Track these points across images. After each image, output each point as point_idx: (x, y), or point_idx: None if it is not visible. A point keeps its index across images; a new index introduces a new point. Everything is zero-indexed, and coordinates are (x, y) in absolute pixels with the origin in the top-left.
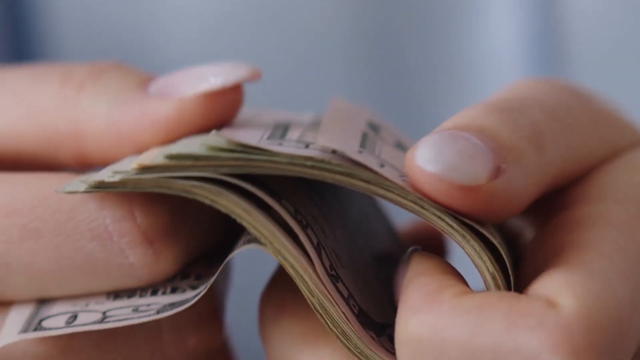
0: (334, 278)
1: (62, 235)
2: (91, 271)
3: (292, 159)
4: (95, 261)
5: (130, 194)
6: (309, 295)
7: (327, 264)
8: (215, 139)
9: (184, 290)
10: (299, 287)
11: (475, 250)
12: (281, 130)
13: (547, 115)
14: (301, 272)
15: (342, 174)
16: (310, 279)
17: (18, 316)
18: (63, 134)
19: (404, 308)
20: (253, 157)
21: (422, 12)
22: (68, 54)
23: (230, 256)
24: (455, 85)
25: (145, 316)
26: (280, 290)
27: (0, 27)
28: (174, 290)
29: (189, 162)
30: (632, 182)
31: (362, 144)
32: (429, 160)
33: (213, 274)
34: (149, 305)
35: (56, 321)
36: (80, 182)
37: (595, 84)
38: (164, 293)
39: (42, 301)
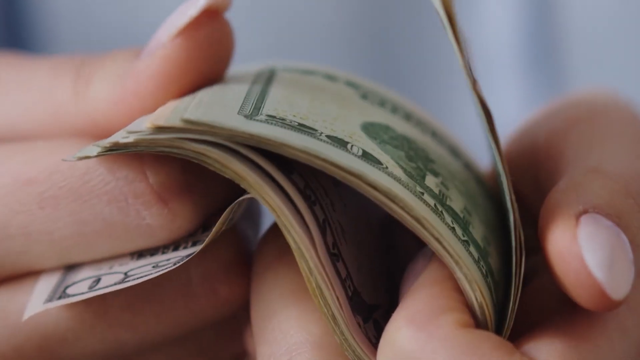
0: (335, 257)
1: (78, 201)
2: (110, 234)
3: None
4: (113, 224)
5: (142, 155)
6: (308, 274)
7: (330, 242)
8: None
9: (202, 242)
10: (299, 263)
11: (467, 278)
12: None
13: None
14: (303, 250)
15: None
16: (310, 258)
17: (45, 286)
18: (81, 128)
19: (403, 312)
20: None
21: (417, 11)
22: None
23: (240, 199)
24: (450, 83)
25: (163, 269)
26: (277, 243)
27: None
28: (194, 244)
29: (204, 128)
30: None
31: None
32: (601, 267)
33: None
34: (168, 259)
35: (80, 287)
36: (93, 146)
37: (588, 79)
38: (185, 247)
39: (69, 268)
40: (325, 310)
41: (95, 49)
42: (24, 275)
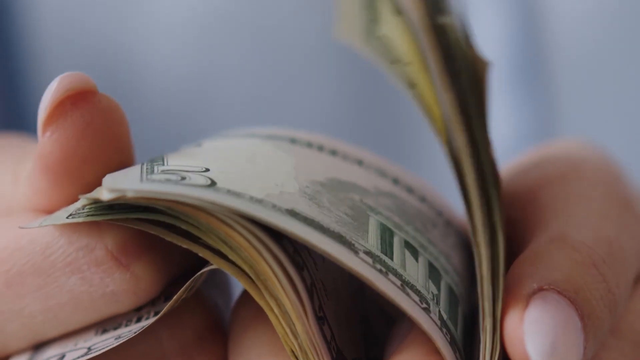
0: (321, 320)
1: (42, 276)
2: (77, 305)
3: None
4: (79, 295)
5: (99, 224)
6: (292, 337)
7: (316, 306)
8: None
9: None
10: (277, 326)
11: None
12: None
13: (624, 260)
14: (294, 317)
15: None
16: (302, 325)
17: None
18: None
19: None
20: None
21: None
22: (49, 66)
23: (207, 269)
24: None
25: (123, 339)
26: (253, 305)
27: None
28: (157, 314)
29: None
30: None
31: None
32: (542, 356)
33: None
34: (130, 331)
35: None
36: (64, 211)
37: (577, 93)
38: (147, 319)
39: (36, 349)
40: None
41: (81, 63)
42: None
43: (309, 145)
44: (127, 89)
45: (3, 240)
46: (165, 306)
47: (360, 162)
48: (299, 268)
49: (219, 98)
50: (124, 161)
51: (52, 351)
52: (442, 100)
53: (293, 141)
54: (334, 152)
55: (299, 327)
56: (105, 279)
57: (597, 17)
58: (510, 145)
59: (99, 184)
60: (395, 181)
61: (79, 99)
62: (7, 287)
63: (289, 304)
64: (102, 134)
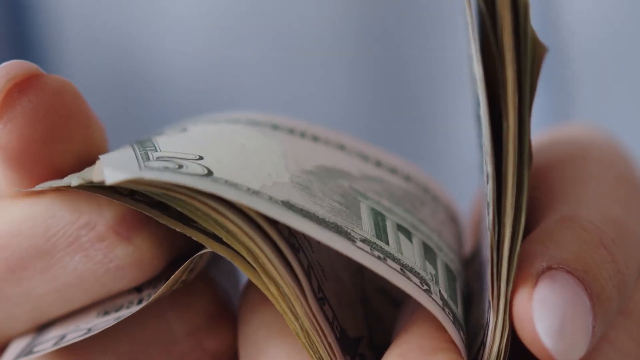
0: (322, 301)
1: (46, 258)
2: (83, 283)
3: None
4: (84, 273)
5: (98, 198)
6: (293, 318)
7: (315, 287)
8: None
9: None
10: (280, 309)
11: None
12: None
13: (632, 240)
14: (292, 299)
15: None
16: (300, 307)
17: (14, 348)
18: None
19: (397, 350)
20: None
21: (423, 13)
22: (67, 62)
23: (202, 252)
24: (455, 85)
25: (123, 316)
26: None
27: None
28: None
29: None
30: None
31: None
32: (550, 334)
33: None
34: (131, 312)
35: (46, 345)
36: (76, 177)
37: (593, 83)
38: (147, 300)
39: (39, 331)
40: (313, 353)
41: (96, 59)
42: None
43: (291, 131)
44: (142, 84)
45: (2, 225)
46: (163, 285)
47: (342, 147)
48: (295, 250)
49: (234, 92)
50: (90, 135)
51: (54, 332)
52: (501, 75)
53: (275, 127)
54: (315, 138)
55: (298, 309)
56: (108, 254)
57: (613, 8)
58: None
59: (69, 161)
60: (378, 164)
61: (25, 86)
62: (11, 272)
63: (286, 286)
64: (55, 113)
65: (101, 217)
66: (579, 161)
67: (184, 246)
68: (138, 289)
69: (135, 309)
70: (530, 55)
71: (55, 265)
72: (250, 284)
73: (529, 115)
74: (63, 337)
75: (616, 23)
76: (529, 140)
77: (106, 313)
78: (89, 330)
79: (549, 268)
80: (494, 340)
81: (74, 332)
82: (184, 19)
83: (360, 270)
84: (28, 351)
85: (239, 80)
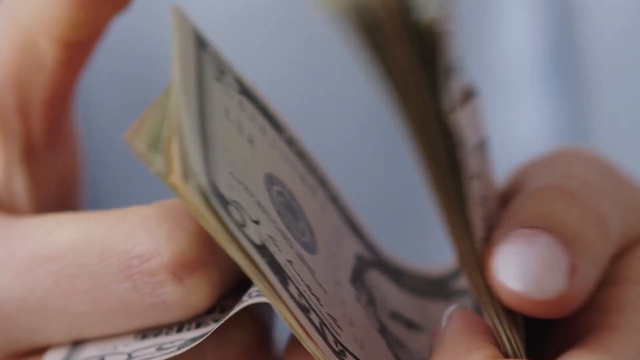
0: (342, 354)
1: (94, 279)
2: (126, 311)
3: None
4: (128, 301)
5: (156, 233)
6: None
7: (332, 342)
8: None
9: (207, 324)
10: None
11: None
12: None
13: (604, 194)
14: (313, 350)
15: None
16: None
17: None
18: (35, 28)
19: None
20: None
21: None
22: None
23: (243, 305)
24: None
25: (167, 353)
26: (301, 351)
27: None
28: (198, 326)
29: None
30: None
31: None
32: (513, 277)
33: (235, 306)
34: (172, 342)
35: None
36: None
37: (611, 91)
38: (189, 329)
39: (74, 346)
40: None
41: (113, 53)
42: (30, 354)
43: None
44: (151, 83)
45: (59, 239)
46: (207, 318)
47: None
48: (306, 311)
49: None
50: None
51: (91, 351)
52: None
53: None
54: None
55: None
56: (157, 290)
57: (632, 16)
58: (545, 144)
59: None
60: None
61: None
62: (57, 285)
63: (312, 346)
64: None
65: (158, 252)
66: (554, 157)
67: (236, 280)
68: None
69: (175, 337)
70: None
71: (102, 288)
72: (290, 348)
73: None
74: (102, 358)
75: (636, 29)
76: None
77: (144, 337)
78: (129, 357)
79: (510, 231)
80: (495, 324)
81: (112, 355)
82: (200, 20)
83: (371, 302)
84: None
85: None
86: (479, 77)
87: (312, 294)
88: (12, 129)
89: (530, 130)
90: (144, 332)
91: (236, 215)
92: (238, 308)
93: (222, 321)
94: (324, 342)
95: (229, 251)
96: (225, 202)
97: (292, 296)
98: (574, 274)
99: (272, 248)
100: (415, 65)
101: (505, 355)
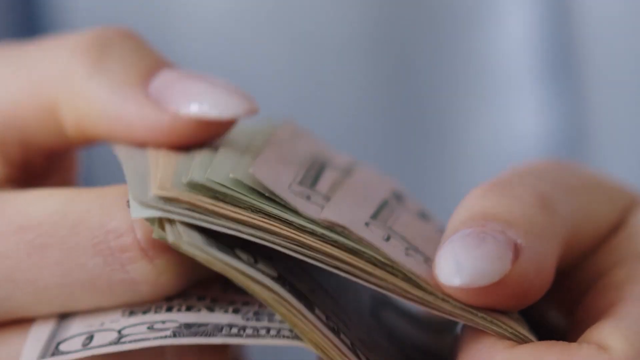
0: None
1: (65, 251)
2: (94, 286)
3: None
4: (98, 277)
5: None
6: None
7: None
8: (245, 176)
9: (199, 310)
10: None
11: (487, 319)
12: (314, 172)
13: (548, 182)
14: None
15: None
16: None
17: (36, 340)
18: (62, 104)
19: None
20: (274, 211)
21: (434, 15)
22: None
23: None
24: (465, 87)
25: (161, 337)
26: None
27: (14, 27)
28: (189, 309)
29: (208, 202)
30: None
31: (376, 214)
32: (451, 274)
33: (229, 301)
34: (164, 322)
35: (73, 344)
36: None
37: (608, 82)
38: (179, 310)
39: (59, 321)
40: None
41: None
42: (10, 323)
43: None
44: None
45: (33, 208)
46: (200, 304)
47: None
48: (336, 333)
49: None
50: None
51: (78, 327)
52: None
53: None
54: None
55: None
56: (127, 266)
57: (629, 15)
58: (541, 140)
59: None
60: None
61: (232, 122)
62: (28, 255)
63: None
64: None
65: (131, 229)
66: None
67: (206, 272)
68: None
69: (164, 317)
70: None
71: (72, 261)
72: None
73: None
74: (91, 337)
75: (633, 28)
76: None
77: (132, 313)
78: (119, 334)
79: (451, 234)
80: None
81: (100, 331)
82: (201, 17)
83: (392, 338)
84: (54, 349)
85: (254, 81)
86: (477, 75)
87: (339, 320)
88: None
89: (527, 127)
90: (132, 309)
91: (242, 255)
92: (261, 342)
93: (232, 341)
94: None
95: (249, 288)
96: (229, 248)
97: (320, 319)
98: (518, 253)
99: (290, 279)
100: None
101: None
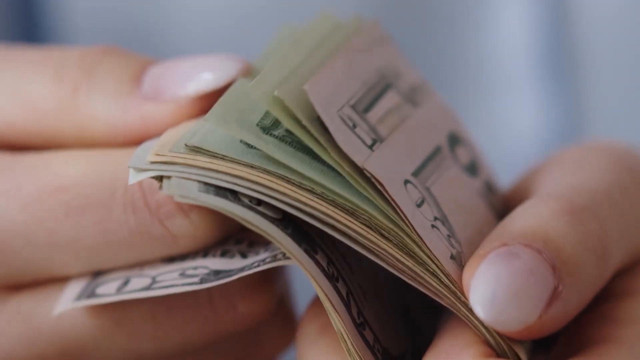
0: (362, 326)
1: (104, 211)
2: (135, 243)
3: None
4: (137, 233)
5: None
6: (342, 339)
7: (355, 313)
8: (291, 94)
9: (232, 256)
10: (338, 336)
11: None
12: (375, 93)
13: (615, 212)
14: (335, 320)
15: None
16: (341, 329)
17: (74, 286)
18: (67, 135)
19: (432, 352)
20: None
21: (432, 16)
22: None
23: (274, 264)
24: (464, 87)
25: (188, 284)
26: (320, 320)
27: (13, 24)
28: (224, 254)
29: (205, 161)
30: None
31: (419, 170)
32: (483, 305)
33: (265, 243)
34: (195, 268)
35: (108, 287)
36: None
37: (605, 86)
38: (214, 256)
39: (96, 274)
40: None
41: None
42: (50, 281)
43: None
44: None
45: (67, 169)
46: (234, 249)
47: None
48: (334, 279)
49: None
50: None
51: (117, 272)
52: None
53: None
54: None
55: (341, 331)
56: (165, 221)
57: (626, 11)
58: (540, 138)
59: None
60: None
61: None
62: (67, 216)
63: (334, 315)
64: None
65: None
66: (572, 150)
67: (238, 225)
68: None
69: (199, 263)
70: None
71: (112, 220)
72: (307, 315)
73: None
74: (127, 281)
75: (631, 24)
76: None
77: (172, 260)
78: (153, 281)
79: (503, 244)
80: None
81: (138, 277)
82: (198, 13)
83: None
84: (91, 291)
85: None
86: (476, 74)
87: (346, 263)
88: None
89: (525, 122)
90: (172, 256)
91: (244, 199)
92: (268, 266)
93: (251, 271)
94: (347, 314)
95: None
96: (230, 193)
97: (319, 264)
98: (554, 300)
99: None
100: None
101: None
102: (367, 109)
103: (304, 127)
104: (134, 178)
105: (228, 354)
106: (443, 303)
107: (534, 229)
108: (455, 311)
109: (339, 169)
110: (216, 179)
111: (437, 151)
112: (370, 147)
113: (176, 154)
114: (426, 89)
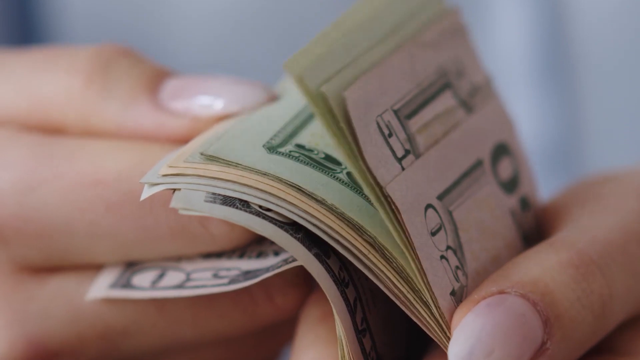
0: (362, 332)
1: (142, 209)
2: (173, 239)
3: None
4: (177, 231)
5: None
6: (340, 344)
7: (359, 319)
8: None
9: (267, 256)
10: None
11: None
12: (427, 95)
13: (627, 265)
14: (339, 325)
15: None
16: (342, 334)
17: (110, 273)
18: (72, 126)
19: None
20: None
21: None
22: None
23: (287, 266)
24: None
25: (218, 285)
26: (321, 307)
27: (9, 29)
28: (259, 255)
29: (215, 170)
30: None
31: (448, 190)
32: (459, 355)
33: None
34: (229, 269)
35: (144, 279)
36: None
37: (602, 88)
38: (249, 257)
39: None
40: None
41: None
42: (90, 266)
43: None
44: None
45: (109, 165)
46: (270, 249)
47: None
48: (343, 285)
49: None
50: None
51: (152, 263)
52: None
53: None
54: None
55: (341, 335)
56: (204, 221)
57: (623, 15)
58: (536, 143)
59: None
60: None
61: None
62: (107, 210)
63: (338, 320)
64: None
65: None
66: (594, 184)
67: None
68: None
69: (235, 264)
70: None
71: (152, 217)
72: (312, 299)
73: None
74: (162, 274)
75: (627, 28)
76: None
77: (208, 256)
78: (187, 278)
79: (500, 292)
80: None
81: (173, 270)
82: (197, 15)
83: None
84: (126, 280)
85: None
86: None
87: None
88: None
89: (523, 128)
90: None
91: (254, 206)
92: (289, 266)
93: (273, 273)
94: (350, 321)
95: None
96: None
97: (329, 268)
98: (537, 357)
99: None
100: None
101: None
102: (412, 114)
103: (340, 129)
104: (146, 193)
105: (246, 342)
106: (429, 334)
107: (535, 278)
108: (441, 345)
109: (361, 180)
110: (224, 188)
111: (476, 166)
112: (401, 159)
113: (189, 164)
114: (488, 90)
